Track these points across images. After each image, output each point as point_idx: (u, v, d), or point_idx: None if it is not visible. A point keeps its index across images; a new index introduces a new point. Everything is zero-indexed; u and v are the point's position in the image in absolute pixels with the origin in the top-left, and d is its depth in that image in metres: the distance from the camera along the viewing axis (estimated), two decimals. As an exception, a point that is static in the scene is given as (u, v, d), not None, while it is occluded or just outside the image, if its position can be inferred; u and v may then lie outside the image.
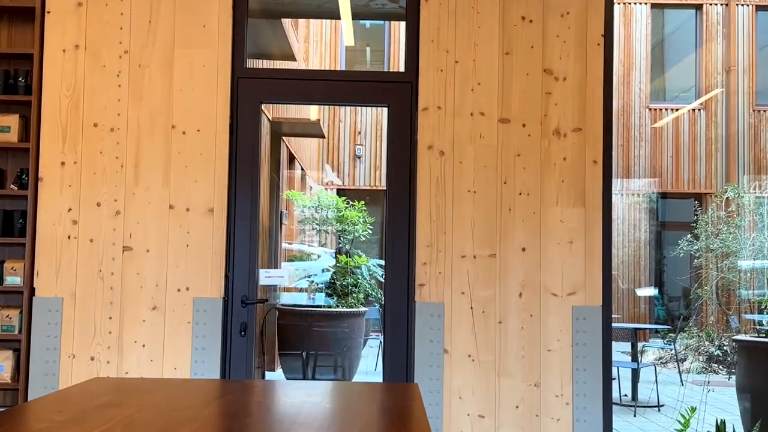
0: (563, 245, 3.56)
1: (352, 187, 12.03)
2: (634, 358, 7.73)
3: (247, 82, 3.69)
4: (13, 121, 3.69)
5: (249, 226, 3.65)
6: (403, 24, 3.79)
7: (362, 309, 7.51)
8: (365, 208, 8.30)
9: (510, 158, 3.59)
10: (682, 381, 8.91)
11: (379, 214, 9.17)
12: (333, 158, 12.21)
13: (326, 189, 11.27)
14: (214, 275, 3.55)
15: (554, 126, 3.61)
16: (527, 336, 3.53)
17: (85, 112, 3.61)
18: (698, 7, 13.95)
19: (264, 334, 6.93)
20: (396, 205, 3.66)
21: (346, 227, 8.16)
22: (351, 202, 8.42)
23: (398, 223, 3.65)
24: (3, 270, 3.64)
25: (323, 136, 10.87)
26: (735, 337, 6.96)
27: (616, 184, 13.45)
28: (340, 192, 11.37)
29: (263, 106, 3.83)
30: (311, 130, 8.98)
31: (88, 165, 3.59)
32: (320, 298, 7.84)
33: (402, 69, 3.75)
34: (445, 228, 3.56)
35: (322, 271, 8.20)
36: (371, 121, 12.27)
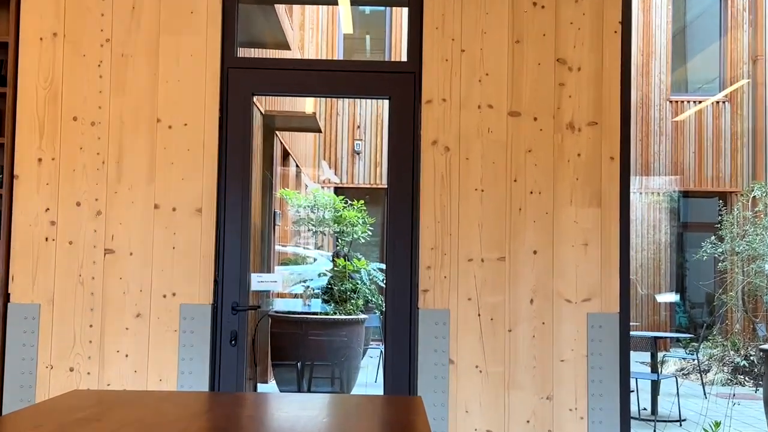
0: (577, 248, 3.57)
1: (351, 186, 12.05)
2: (654, 369, 7.74)
3: (238, 72, 3.70)
4: (-14, 114, 3.70)
5: (240, 227, 3.65)
6: (405, 10, 3.80)
7: (361, 316, 7.52)
8: (365, 208, 8.31)
9: (520, 154, 3.60)
10: (705, 393, 8.92)
11: (379, 215, 9.19)
12: (330, 154, 12.23)
13: (323, 187, 11.28)
14: (202, 280, 3.56)
15: (568, 120, 3.61)
16: (539, 345, 3.53)
17: (64, 104, 3.61)
18: (723, -8, 13.98)
19: (256, 343, 6.93)
20: (398, 204, 3.66)
21: (345, 228, 8.17)
22: (349, 202, 8.43)
23: (400, 223, 3.65)
24: (-24, 274, 3.65)
25: (320, 131, 10.89)
26: (762, 347, 6.97)
27: (635, 182, 13.46)
28: (338, 190, 11.38)
29: (255, 99, 3.83)
30: (307, 124, 8.99)
31: (67, 162, 3.59)
32: (316, 305, 7.84)
33: (404, 59, 3.76)
34: (451, 229, 3.57)
35: (319, 275, 8.20)
36: (371, 114, 12.28)
